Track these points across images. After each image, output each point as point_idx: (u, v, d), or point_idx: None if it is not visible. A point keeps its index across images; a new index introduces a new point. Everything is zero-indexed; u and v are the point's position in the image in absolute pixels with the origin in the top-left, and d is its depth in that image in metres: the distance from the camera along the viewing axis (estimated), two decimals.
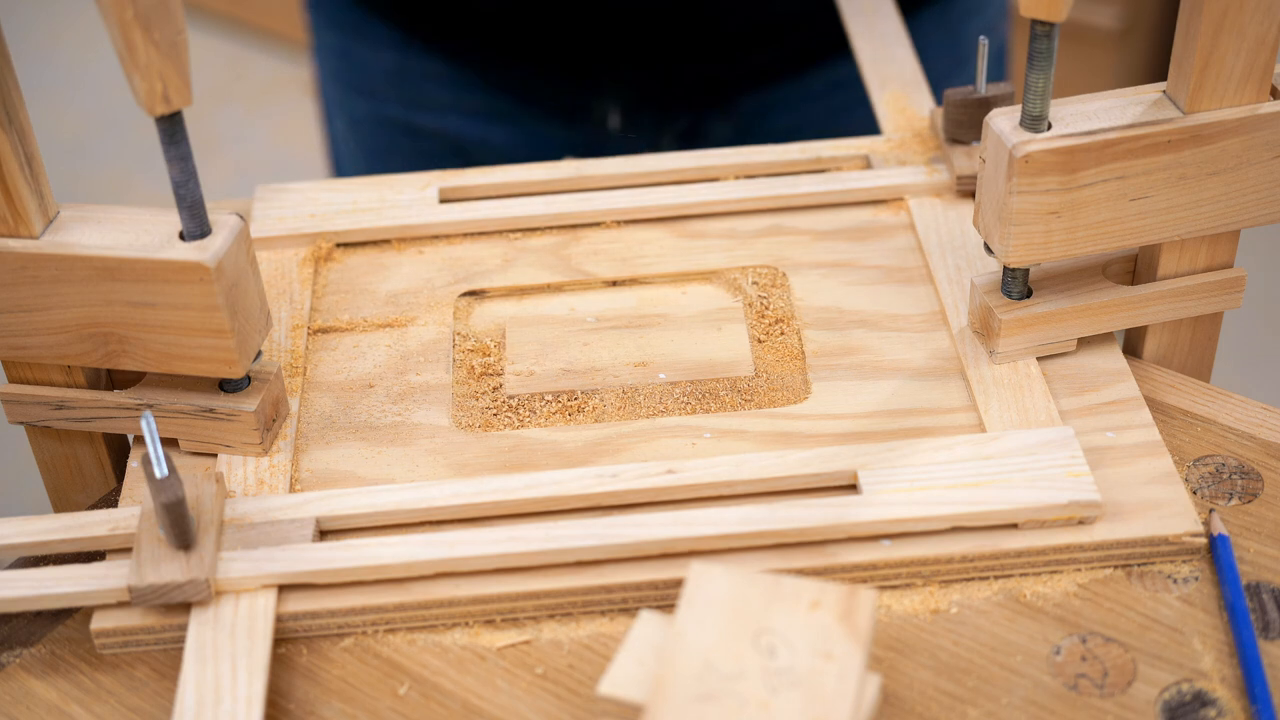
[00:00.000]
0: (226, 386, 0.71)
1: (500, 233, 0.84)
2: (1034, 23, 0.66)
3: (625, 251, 0.82)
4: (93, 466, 0.75)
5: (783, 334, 0.77)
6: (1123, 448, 0.69)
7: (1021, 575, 0.66)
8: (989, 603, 0.65)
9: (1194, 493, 0.69)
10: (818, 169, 0.87)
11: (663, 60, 1.11)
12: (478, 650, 0.65)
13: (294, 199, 0.85)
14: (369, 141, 1.22)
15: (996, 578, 0.66)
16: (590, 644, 0.65)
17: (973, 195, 0.83)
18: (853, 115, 1.11)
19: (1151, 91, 0.70)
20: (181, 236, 0.66)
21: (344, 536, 0.68)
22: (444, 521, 0.68)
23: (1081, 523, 0.66)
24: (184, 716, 0.61)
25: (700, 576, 0.59)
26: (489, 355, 0.77)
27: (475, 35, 1.11)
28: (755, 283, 0.80)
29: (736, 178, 0.86)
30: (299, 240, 0.83)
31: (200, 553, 0.64)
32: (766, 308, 0.79)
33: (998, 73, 1.21)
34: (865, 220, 0.83)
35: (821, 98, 1.14)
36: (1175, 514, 0.66)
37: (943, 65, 1.14)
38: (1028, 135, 0.68)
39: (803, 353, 0.76)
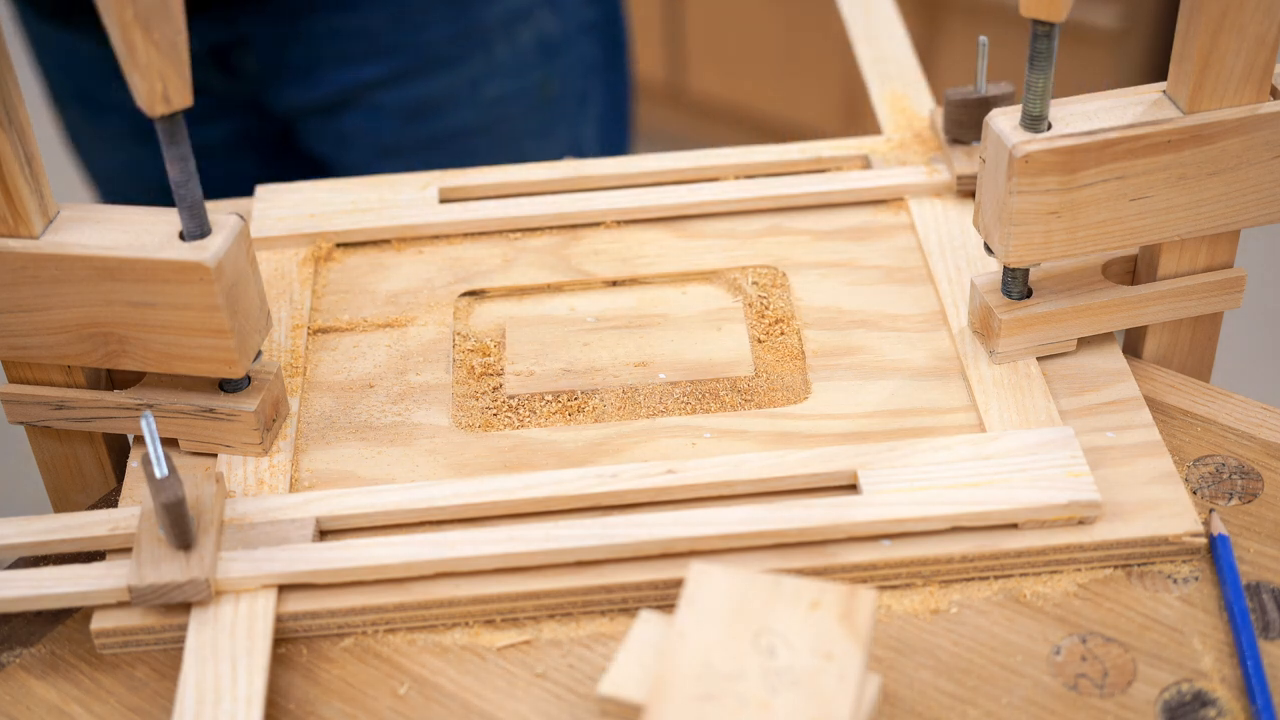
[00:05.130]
0: (226, 386, 0.71)
1: (500, 233, 0.84)
2: (1034, 23, 0.66)
3: (625, 251, 0.82)
4: (93, 466, 0.75)
5: (783, 334, 0.77)
6: (1123, 448, 0.69)
7: (1021, 575, 0.66)
8: (989, 603, 0.65)
9: (1194, 493, 0.69)
10: (818, 169, 0.87)
11: None
12: (478, 650, 0.65)
13: (294, 199, 0.85)
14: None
15: (996, 578, 0.66)
16: (590, 644, 0.65)
17: (973, 195, 0.83)
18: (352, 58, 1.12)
19: (1151, 91, 0.70)
20: (181, 236, 0.66)
21: (344, 536, 0.68)
22: (444, 521, 0.68)
23: (1081, 523, 0.66)
24: (184, 716, 0.61)
25: (700, 576, 0.59)
26: (489, 355, 0.77)
27: None
28: (755, 283, 0.80)
29: (736, 178, 0.86)
30: (299, 240, 0.83)
31: (200, 553, 0.65)
32: (766, 308, 0.79)
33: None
34: (865, 220, 0.83)
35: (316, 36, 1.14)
36: (1175, 514, 0.66)
37: None
38: (1028, 135, 0.68)
39: (803, 353, 0.76)
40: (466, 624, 0.66)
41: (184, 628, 0.65)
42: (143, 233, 0.67)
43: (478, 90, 1.19)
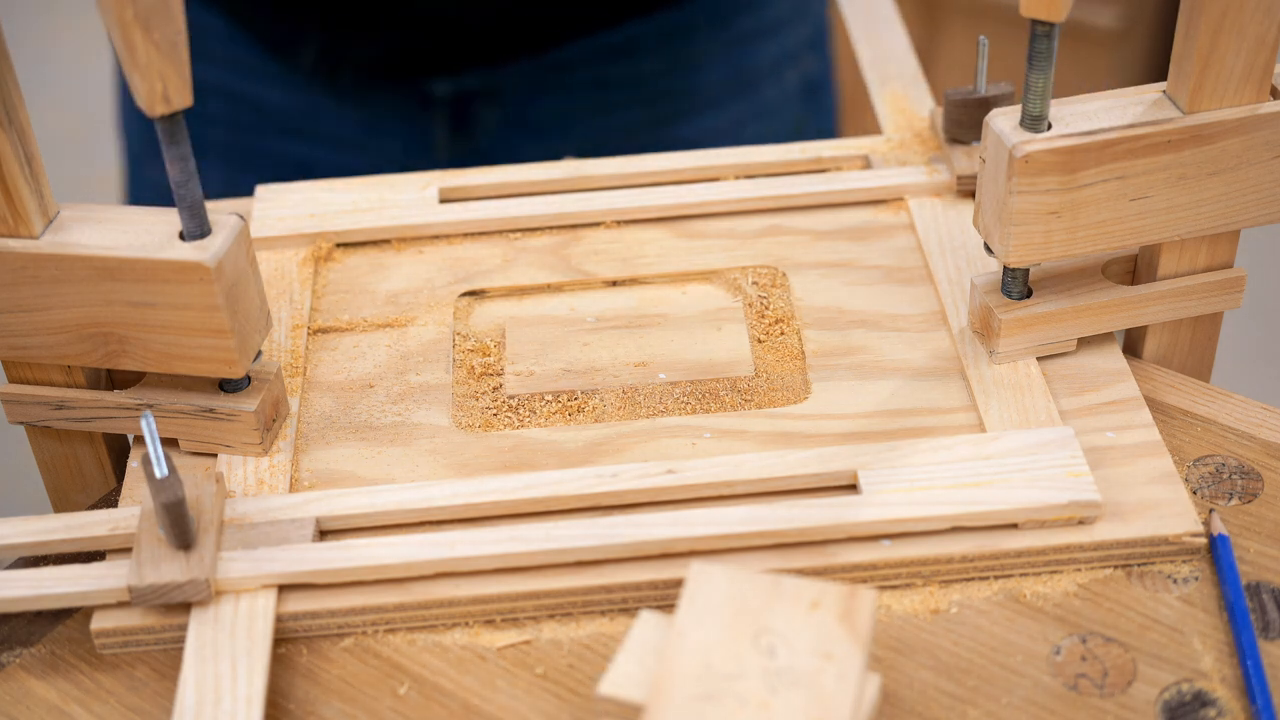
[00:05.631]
0: (226, 386, 0.71)
1: (500, 233, 0.84)
2: (1034, 23, 0.66)
3: (625, 251, 0.82)
4: (93, 466, 0.75)
5: (783, 334, 0.77)
6: (1123, 448, 0.69)
7: (1021, 575, 0.66)
8: (989, 603, 0.65)
9: (1194, 493, 0.69)
10: (818, 169, 0.87)
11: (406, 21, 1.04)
12: (478, 650, 0.65)
13: (294, 199, 0.85)
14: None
15: (996, 578, 0.66)
16: (590, 644, 0.65)
17: (973, 195, 0.83)
18: (625, 113, 1.07)
19: (1151, 91, 0.70)
20: (181, 236, 0.66)
21: (344, 536, 0.68)
22: (444, 521, 0.68)
23: (1081, 523, 0.66)
24: (184, 716, 0.61)
25: (700, 576, 0.59)
26: (489, 355, 0.77)
27: None
28: (755, 283, 0.80)
29: (736, 177, 0.86)
30: (299, 240, 0.83)
31: (200, 553, 0.65)
32: (766, 308, 0.79)
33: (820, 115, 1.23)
34: (865, 220, 0.83)
35: (588, 89, 1.09)
36: (1175, 514, 0.66)
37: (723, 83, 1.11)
38: (1028, 135, 0.68)
39: (803, 353, 0.76)
40: (466, 624, 0.66)
41: (184, 628, 0.65)
42: (143, 233, 0.67)
43: (741, 131, 1.14)
